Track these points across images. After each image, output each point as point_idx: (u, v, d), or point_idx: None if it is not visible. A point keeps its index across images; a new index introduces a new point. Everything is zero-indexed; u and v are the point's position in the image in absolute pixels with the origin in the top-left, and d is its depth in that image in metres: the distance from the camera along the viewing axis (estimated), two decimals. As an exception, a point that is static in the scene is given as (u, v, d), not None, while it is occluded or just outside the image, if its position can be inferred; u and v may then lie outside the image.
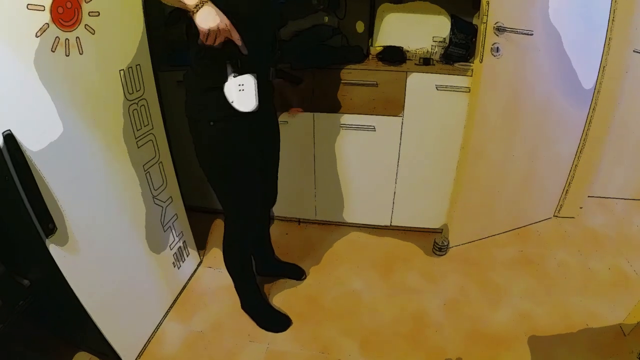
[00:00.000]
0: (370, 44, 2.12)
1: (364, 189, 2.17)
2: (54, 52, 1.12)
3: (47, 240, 1.17)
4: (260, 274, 1.95)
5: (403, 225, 2.28)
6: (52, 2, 1.09)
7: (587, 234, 2.27)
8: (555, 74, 1.91)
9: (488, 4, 1.62)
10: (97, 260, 1.38)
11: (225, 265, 1.66)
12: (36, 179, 1.11)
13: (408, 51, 2.08)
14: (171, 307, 1.85)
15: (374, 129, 1.97)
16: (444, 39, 2.06)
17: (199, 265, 2.09)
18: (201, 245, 2.17)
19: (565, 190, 2.31)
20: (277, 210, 2.37)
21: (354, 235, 2.31)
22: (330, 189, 2.22)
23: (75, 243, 1.28)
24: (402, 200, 2.17)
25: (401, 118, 1.93)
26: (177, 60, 1.99)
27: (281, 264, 2.02)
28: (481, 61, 1.70)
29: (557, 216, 2.39)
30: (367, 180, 2.14)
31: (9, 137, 1.03)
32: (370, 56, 2.07)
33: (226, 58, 1.20)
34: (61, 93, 1.17)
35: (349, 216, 2.31)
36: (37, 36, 1.07)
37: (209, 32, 1.07)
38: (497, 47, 1.70)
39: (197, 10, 1.05)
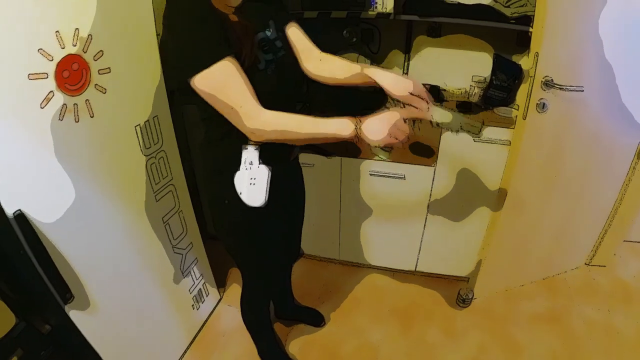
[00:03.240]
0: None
1: (390, 233, 2.07)
2: (61, 120, 1.06)
3: (65, 306, 1.16)
4: (278, 318, 1.92)
5: (428, 271, 2.18)
6: (56, 67, 1.01)
7: (617, 286, 2.13)
8: (603, 123, 1.74)
9: (537, 55, 1.49)
10: (115, 315, 1.38)
11: (243, 320, 1.61)
12: (51, 251, 1.09)
13: (445, 90, 1.96)
14: (188, 347, 1.83)
15: (403, 177, 1.86)
16: (485, 78, 1.93)
17: (218, 302, 2.05)
18: (221, 282, 2.12)
19: (600, 238, 2.16)
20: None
21: (377, 279, 2.22)
22: (355, 231, 2.13)
23: (95, 305, 1.27)
24: (429, 246, 2.06)
25: (433, 168, 1.81)
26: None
27: (300, 309, 1.96)
28: (524, 118, 1.58)
29: (587, 264, 2.26)
30: (394, 224, 2.04)
31: (20, 217, 1.00)
32: (405, 96, 1.95)
33: (243, 142, 1.08)
34: (72, 161, 1.12)
35: (373, 259, 2.22)
36: (42, 107, 1.00)
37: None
38: (544, 104, 1.57)
39: (361, 133, 0.99)
